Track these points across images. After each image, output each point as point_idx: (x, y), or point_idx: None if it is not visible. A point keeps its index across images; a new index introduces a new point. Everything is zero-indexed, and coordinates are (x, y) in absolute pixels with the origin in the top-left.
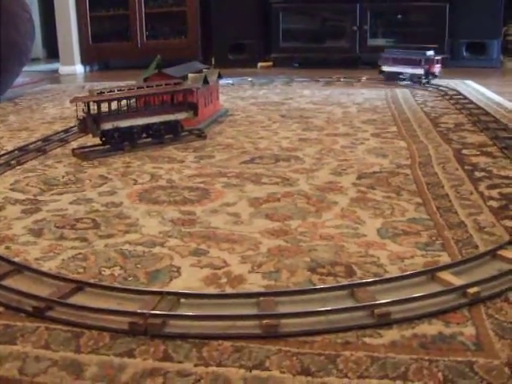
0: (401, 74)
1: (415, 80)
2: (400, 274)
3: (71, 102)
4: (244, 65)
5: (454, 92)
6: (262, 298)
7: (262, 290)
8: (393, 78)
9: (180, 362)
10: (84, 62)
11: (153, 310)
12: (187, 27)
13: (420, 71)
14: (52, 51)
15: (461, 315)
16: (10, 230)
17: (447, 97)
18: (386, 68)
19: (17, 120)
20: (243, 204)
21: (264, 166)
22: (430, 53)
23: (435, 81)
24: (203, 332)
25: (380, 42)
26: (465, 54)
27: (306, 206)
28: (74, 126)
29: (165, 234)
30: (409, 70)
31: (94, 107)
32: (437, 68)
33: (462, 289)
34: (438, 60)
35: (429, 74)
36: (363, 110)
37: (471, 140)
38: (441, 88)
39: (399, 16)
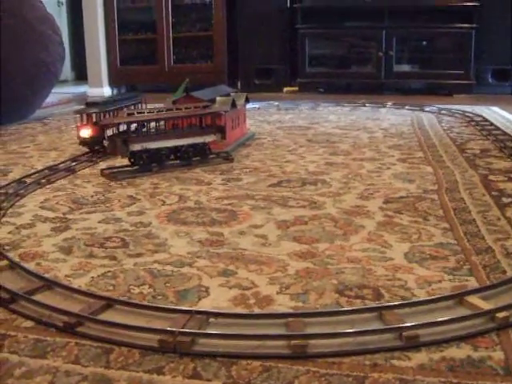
0: None
1: None
2: (428, 298)
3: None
4: (270, 89)
5: (480, 118)
6: (290, 319)
7: (291, 311)
8: None
9: (209, 380)
10: (112, 84)
11: (182, 328)
12: (214, 52)
13: None
14: (80, 74)
15: (489, 339)
16: (40, 247)
17: (473, 123)
18: None
19: (46, 140)
20: (271, 226)
21: (291, 189)
22: None
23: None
24: (232, 351)
25: (406, 68)
26: (490, 80)
27: (333, 229)
28: (103, 147)
29: (193, 255)
30: None
31: (123, 128)
32: None
33: (490, 313)
34: None
35: None
36: (389, 135)
37: (498, 166)
38: (466, 114)
39: (425, 42)
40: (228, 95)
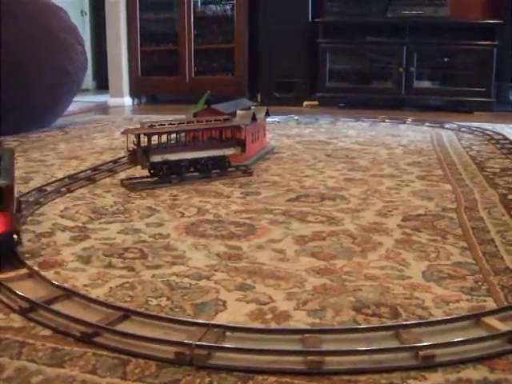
0: None
1: None
2: (445, 318)
3: (122, 133)
4: (290, 103)
5: (500, 136)
6: (306, 335)
7: (307, 327)
8: None
9: None
10: (132, 94)
11: (199, 341)
12: (235, 64)
13: None
14: (101, 83)
15: (506, 362)
16: (59, 256)
17: (493, 141)
18: None
19: (67, 148)
20: (289, 241)
21: (310, 204)
22: None
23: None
24: (248, 365)
25: (426, 84)
26: (511, 98)
27: (351, 246)
28: (123, 157)
29: (211, 268)
30: None
31: (144, 139)
32: None
33: (507, 335)
34: None
35: None
36: (409, 151)
37: None
38: (487, 132)
39: (446, 59)
40: (249, 109)
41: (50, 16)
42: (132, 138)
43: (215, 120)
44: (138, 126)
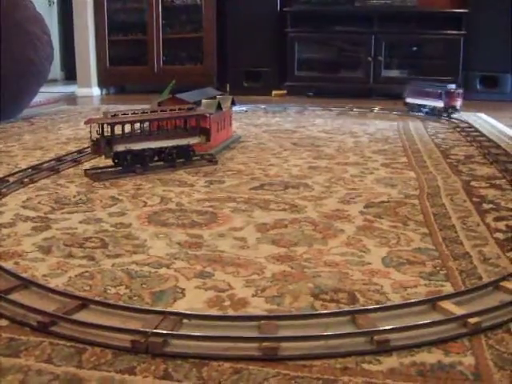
0: (423, 106)
1: (436, 113)
2: (401, 302)
3: (86, 123)
4: (258, 92)
5: (466, 124)
6: (263, 322)
7: (264, 313)
8: (415, 110)
9: (179, 381)
10: (101, 84)
11: (155, 329)
12: (203, 54)
13: (440, 104)
14: (70, 74)
15: (461, 345)
16: (19, 246)
17: (458, 129)
18: (409, 100)
19: (32, 139)
20: (250, 229)
21: (273, 192)
22: (451, 86)
23: (456, 114)
24: (203, 352)
25: (394, 73)
26: (478, 86)
27: (312, 233)
28: (88, 147)
29: (171, 256)
30: (429, 103)
31: (107, 129)
32: (458, 101)
33: (462, 318)
34: (458, 93)
35: (449, 107)
36: (375, 140)
37: (480, 172)
38: (452, 120)
39: (414, 48)
40: (214, 98)
41: (15, 5)
42: (96, 127)
43: (179, 109)
44: (102, 115)
